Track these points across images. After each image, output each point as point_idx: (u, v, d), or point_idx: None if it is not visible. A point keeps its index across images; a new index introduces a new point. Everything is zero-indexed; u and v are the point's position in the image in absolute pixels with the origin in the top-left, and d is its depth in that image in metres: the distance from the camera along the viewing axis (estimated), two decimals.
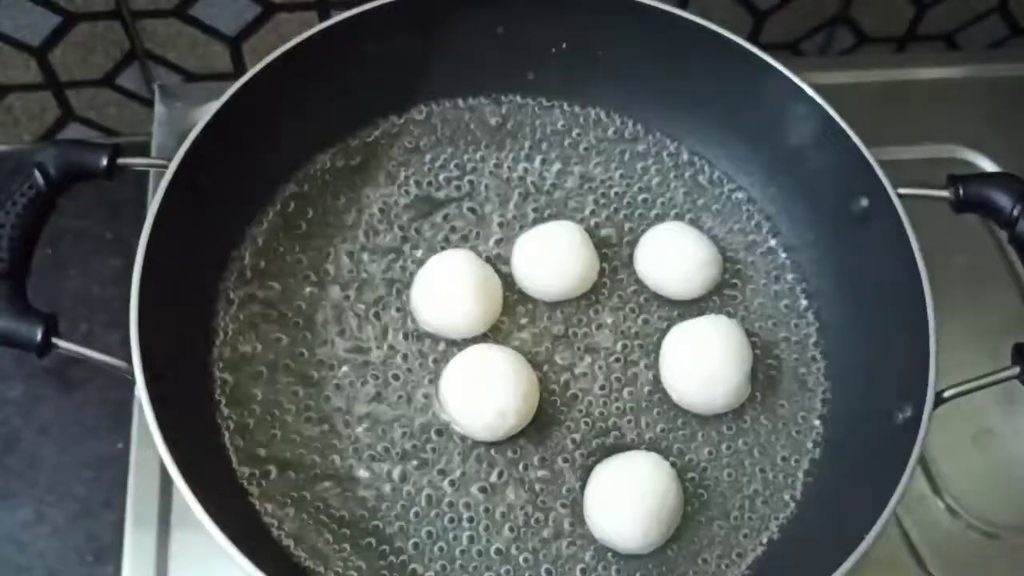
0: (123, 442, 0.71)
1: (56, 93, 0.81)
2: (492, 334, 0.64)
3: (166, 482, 0.66)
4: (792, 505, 0.61)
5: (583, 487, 0.60)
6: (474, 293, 0.62)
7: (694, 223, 0.69)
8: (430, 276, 0.63)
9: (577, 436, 0.62)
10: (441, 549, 0.59)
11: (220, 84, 0.62)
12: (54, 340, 0.53)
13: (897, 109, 0.84)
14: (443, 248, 0.66)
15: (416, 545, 0.59)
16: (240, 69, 0.79)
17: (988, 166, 0.82)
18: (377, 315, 0.65)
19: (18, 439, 0.72)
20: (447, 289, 0.62)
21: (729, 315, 0.66)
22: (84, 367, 0.75)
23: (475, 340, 0.63)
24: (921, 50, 0.91)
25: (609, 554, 0.59)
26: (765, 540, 0.60)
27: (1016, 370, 0.57)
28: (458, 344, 0.63)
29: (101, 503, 0.70)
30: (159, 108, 0.79)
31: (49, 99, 0.81)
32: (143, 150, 0.76)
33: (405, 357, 0.64)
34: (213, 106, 0.61)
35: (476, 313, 0.62)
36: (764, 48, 0.66)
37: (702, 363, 0.61)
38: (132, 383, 0.54)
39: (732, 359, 0.61)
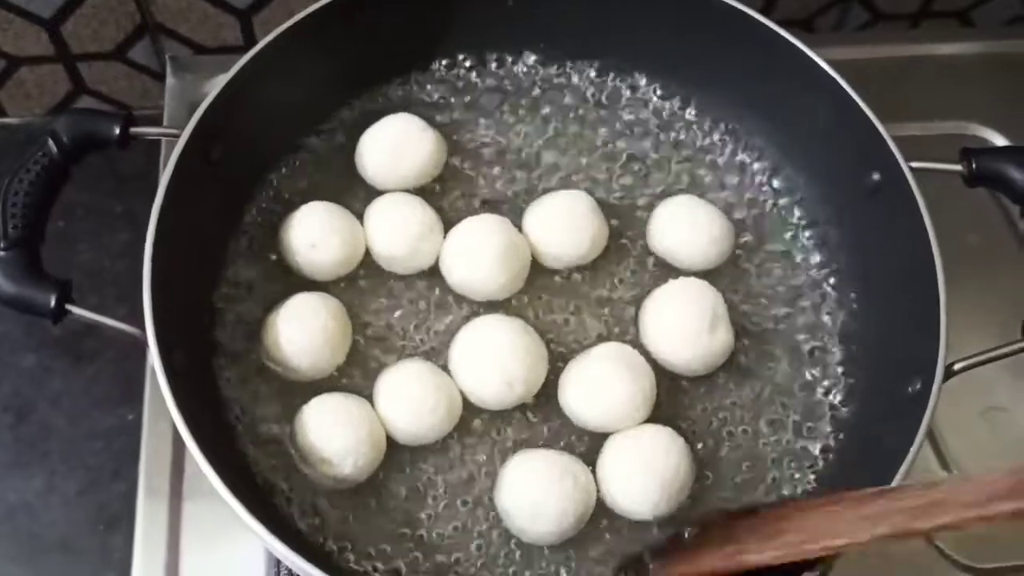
0: (132, 414, 0.71)
1: (67, 66, 0.81)
2: (503, 302, 0.64)
3: (178, 453, 0.67)
4: (810, 475, 0.61)
5: (591, 456, 0.60)
6: (501, 259, 0.62)
7: (707, 195, 0.69)
8: (463, 235, 0.63)
9: None
10: (451, 511, 0.59)
11: (231, 57, 0.62)
12: (68, 306, 0.53)
13: (910, 85, 0.83)
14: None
15: (427, 517, 0.59)
16: (250, 42, 0.79)
17: (1000, 142, 0.82)
18: (385, 285, 0.65)
19: (30, 410, 0.72)
20: (476, 251, 0.62)
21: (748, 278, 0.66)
22: (95, 339, 0.76)
23: (493, 305, 0.63)
24: (935, 27, 0.91)
25: (616, 519, 0.59)
26: None
27: None
28: (476, 306, 0.63)
29: (111, 473, 0.70)
30: (170, 80, 0.79)
31: (60, 72, 0.81)
32: (154, 123, 0.76)
33: (425, 323, 0.63)
34: (224, 77, 0.61)
35: (501, 279, 0.62)
36: (777, 24, 0.66)
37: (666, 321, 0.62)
38: (143, 353, 0.54)
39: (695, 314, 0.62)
